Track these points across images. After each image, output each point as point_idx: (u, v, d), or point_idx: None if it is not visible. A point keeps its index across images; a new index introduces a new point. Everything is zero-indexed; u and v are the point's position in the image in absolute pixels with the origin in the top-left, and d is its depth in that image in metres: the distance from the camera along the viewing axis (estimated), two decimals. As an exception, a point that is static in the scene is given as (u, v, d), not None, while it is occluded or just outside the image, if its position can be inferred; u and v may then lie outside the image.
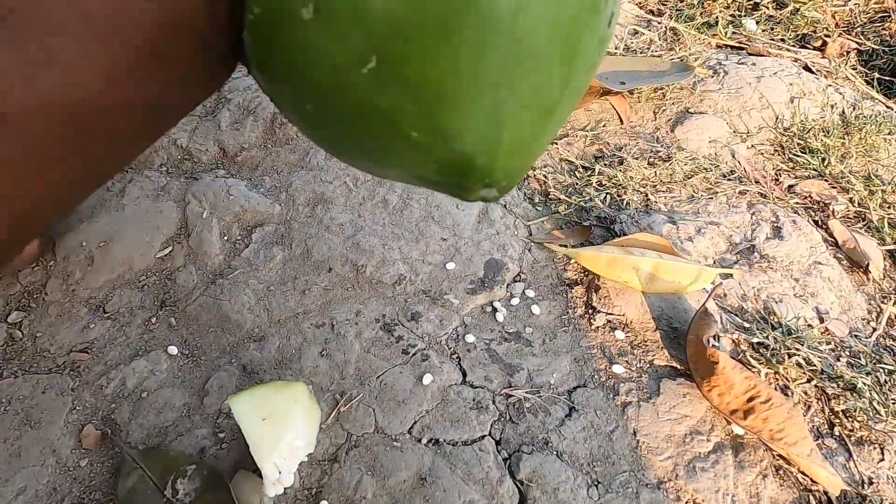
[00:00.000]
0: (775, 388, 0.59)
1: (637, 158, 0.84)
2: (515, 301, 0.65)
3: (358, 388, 0.57)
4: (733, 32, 1.16)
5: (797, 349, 0.61)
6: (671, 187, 0.80)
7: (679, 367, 0.61)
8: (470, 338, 0.61)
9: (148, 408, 0.55)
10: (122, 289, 0.64)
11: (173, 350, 0.59)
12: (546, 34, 0.15)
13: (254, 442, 0.47)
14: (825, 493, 0.53)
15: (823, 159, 0.86)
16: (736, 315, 0.66)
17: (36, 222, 0.18)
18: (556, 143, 0.86)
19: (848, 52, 1.15)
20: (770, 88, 0.96)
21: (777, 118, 0.93)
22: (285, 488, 0.49)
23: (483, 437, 0.54)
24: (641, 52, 1.06)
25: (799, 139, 0.89)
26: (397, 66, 0.15)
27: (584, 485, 0.51)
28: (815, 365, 0.61)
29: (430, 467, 0.51)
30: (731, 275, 0.69)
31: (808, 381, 0.60)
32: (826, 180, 0.84)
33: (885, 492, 0.53)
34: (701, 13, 1.20)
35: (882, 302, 0.70)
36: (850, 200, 0.81)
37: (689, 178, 0.81)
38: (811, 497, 0.53)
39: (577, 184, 0.80)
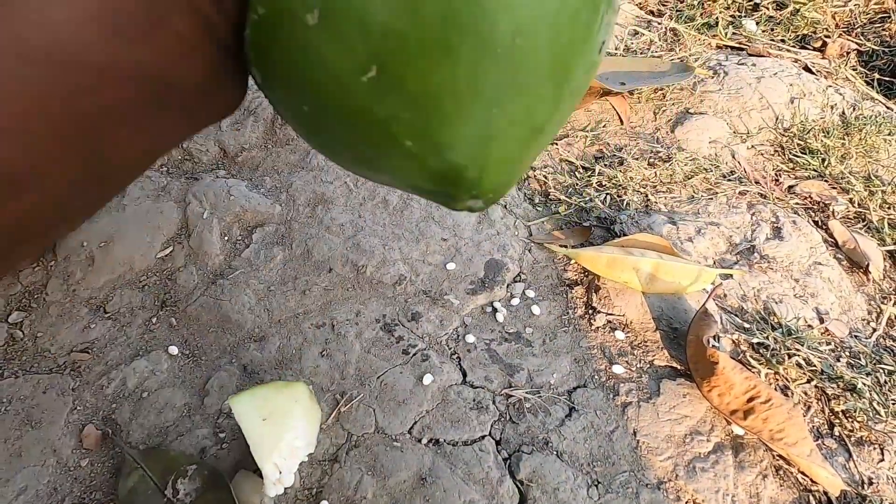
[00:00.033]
0: (775, 389, 0.59)
1: (637, 159, 0.84)
2: (515, 301, 0.65)
3: (358, 389, 0.57)
4: (733, 33, 1.16)
5: (797, 350, 0.61)
6: (671, 188, 0.80)
7: (679, 367, 0.61)
8: (470, 338, 0.62)
9: (148, 408, 0.55)
10: (123, 289, 0.64)
11: (174, 350, 0.59)
12: (540, 58, 0.16)
13: (254, 442, 0.47)
14: (825, 493, 0.53)
15: (823, 160, 0.86)
16: (736, 315, 0.66)
17: (37, 227, 0.17)
18: (556, 144, 0.86)
19: (848, 53, 1.15)
20: (770, 89, 0.96)
21: (777, 119, 0.93)
22: (286, 488, 0.49)
23: (483, 437, 0.54)
24: (641, 53, 1.06)
25: (799, 140, 0.89)
26: (397, 77, 0.15)
27: (584, 485, 0.51)
28: (815, 365, 0.61)
29: (431, 467, 0.51)
30: (731, 275, 0.69)
31: (808, 381, 0.60)
32: (826, 181, 0.84)
33: (884, 492, 0.53)
34: (701, 14, 1.20)
35: (882, 302, 0.70)
36: (851, 201, 0.81)
37: (689, 179, 0.81)
38: (811, 497, 0.53)
39: (577, 184, 0.80)
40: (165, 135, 0.19)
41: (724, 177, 0.83)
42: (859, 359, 0.63)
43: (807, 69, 1.08)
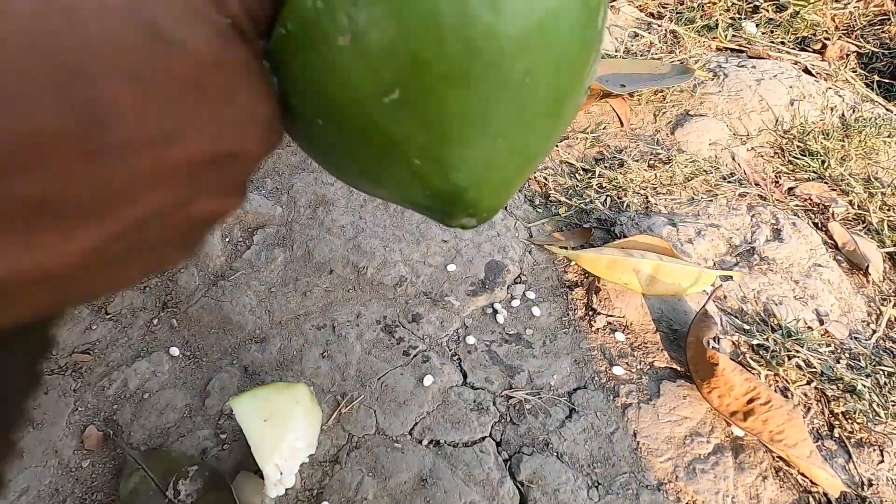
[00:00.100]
0: (775, 390, 0.59)
1: (637, 161, 0.84)
2: (516, 303, 0.66)
3: (359, 390, 0.57)
4: (733, 35, 1.16)
5: (797, 351, 0.62)
6: (671, 189, 0.80)
7: (679, 368, 0.61)
8: (471, 339, 0.62)
9: (150, 409, 0.55)
10: (124, 290, 0.64)
11: (175, 351, 0.59)
12: (542, 97, 0.18)
13: (255, 443, 0.47)
14: (825, 494, 0.53)
15: (823, 162, 0.86)
16: (736, 317, 0.66)
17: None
18: (557, 146, 0.86)
19: (847, 55, 1.15)
20: (770, 91, 0.96)
21: (777, 121, 0.93)
22: (286, 489, 0.49)
23: (484, 438, 0.54)
24: (641, 55, 1.06)
25: (799, 142, 0.90)
26: (417, 102, 0.17)
27: (584, 486, 0.51)
28: (814, 367, 0.61)
29: (431, 468, 0.51)
30: (731, 277, 0.69)
31: (808, 382, 0.60)
32: (826, 183, 0.84)
33: (884, 493, 0.53)
34: (701, 16, 1.21)
35: (882, 304, 0.70)
36: (850, 203, 0.81)
37: (689, 181, 0.81)
38: (811, 499, 0.53)
39: (577, 186, 0.81)
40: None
41: (724, 179, 0.83)
42: (859, 360, 0.63)
43: (807, 71, 1.08)
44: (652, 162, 0.84)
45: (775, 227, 0.75)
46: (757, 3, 1.25)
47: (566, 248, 0.72)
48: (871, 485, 0.54)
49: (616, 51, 1.06)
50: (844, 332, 0.66)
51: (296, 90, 0.18)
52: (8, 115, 0.12)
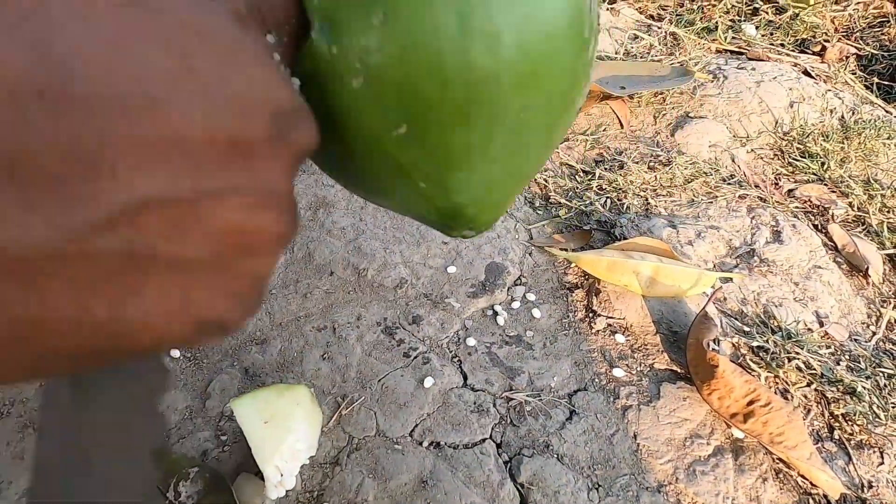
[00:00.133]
0: (775, 392, 0.59)
1: (637, 162, 0.84)
2: (516, 304, 0.66)
3: (359, 391, 0.57)
4: (733, 37, 1.17)
5: (797, 353, 0.62)
6: (671, 191, 0.80)
7: (679, 370, 0.61)
8: (471, 341, 0.62)
9: (150, 410, 0.55)
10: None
11: (175, 353, 0.59)
12: (537, 127, 0.20)
13: (256, 445, 0.47)
14: (825, 496, 0.53)
15: (823, 164, 0.86)
16: (736, 319, 0.66)
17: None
18: (557, 148, 0.86)
19: (847, 57, 1.15)
20: (770, 93, 0.96)
21: (777, 123, 0.93)
22: (287, 491, 0.49)
23: (484, 440, 0.54)
24: (641, 57, 1.06)
25: (798, 143, 0.90)
26: (423, 134, 0.18)
27: (584, 488, 0.51)
28: (814, 369, 0.61)
29: (432, 470, 0.51)
30: (731, 279, 0.69)
31: (808, 384, 0.60)
32: (826, 184, 0.85)
33: (884, 495, 0.53)
34: (701, 18, 1.21)
35: (882, 306, 0.70)
36: (850, 205, 0.82)
37: (689, 183, 0.82)
38: (811, 500, 0.53)
39: (577, 188, 0.81)
40: None
41: (724, 180, 0.83)
42: (859, 362, 0.63)
43: (806, 73, 1.08)
44: (652, 164, 0.85)
45: (775, 228, 0.75)
46: (757, 6, 1.25)
47: (566, 249, 0.72)
48: (871, 487, 0.54)
49: (616, 53, 1.06)
50: (844, 333, 0.66)
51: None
52: None
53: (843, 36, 1.21)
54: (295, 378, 0.58)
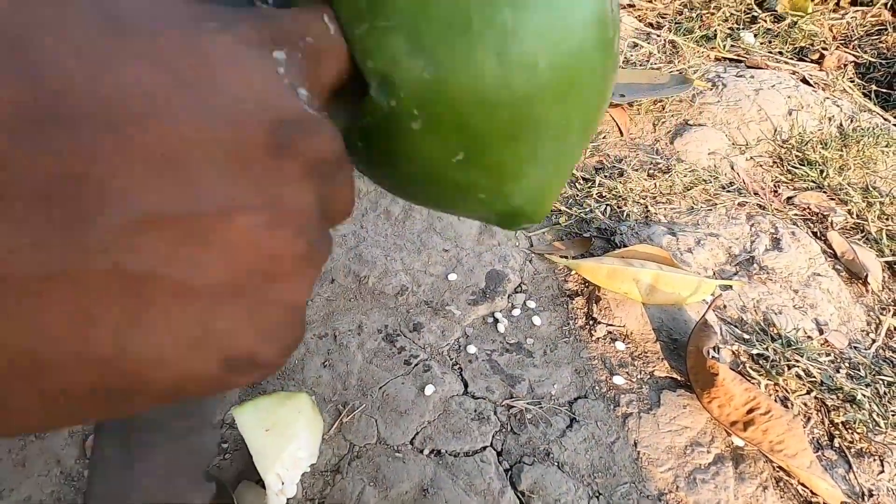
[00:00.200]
0: (775, 400, 0.59)
1: (637, 170, 0.85)
2: (517, 312, 0.66)
3: (360, 399, 0.57)
4: (732, 45, 1.17)
5: (797, 361, 0.62)
6: (671, 199, 0.81)
7: (679, 378, 0.61)
8: (471, 348, 0.62)
9: (152, 418, 0.55)
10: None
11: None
12: (575, 134, 0.23)
13: (257, 452, 0.48)
14: (825, 504, 0.53)
15: (822, 171, 0.87)
16: (735, 326, 0.66)
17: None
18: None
19: (845, 65, 1.16)
20: (768, 101, 0.97)
21: (775, 130, 0.94)
22: (288, 499, 0.49)
23: (485, 448, 0.54)
24: (641, 65, 1.07)
25: (797, 151, 0.90)
26: (478, 157, 0.21)
27: (585, 496, 0.51)
28: (814, 376, 0.61)
29: (432, 478, 0.52)
30: (731, 286, 0.69)
31: (808, 392, 0.60)
32: (825, 192, 0.85)
33: (885, 503, 0.54)
34: (700, 26, 1.22)
35: (881, 313, 0.71)
36: (849, 212, 0.82)
37: (688, 190, 0.82)
38: (811, 509, 0.53)
39: (577, 195, 0.81)
40: None
41: (724, 188, 0.83)
42: (859, 370, 0.63)
43: (804, 81, 1.09)
44: (651, 171, 0.85)
45: (774, 236, 0.75)
46: (755, 14, 1.26)
47: (566, 257, 0.72)
48: (871, 495, 0.54)
49: (615, 61, 1.07)
50: (844, 341, 0.66)
51: (377, 164, 0.22)
52: None
53: (841, 44, 1.22)
54: (296, 385, 0.58)
